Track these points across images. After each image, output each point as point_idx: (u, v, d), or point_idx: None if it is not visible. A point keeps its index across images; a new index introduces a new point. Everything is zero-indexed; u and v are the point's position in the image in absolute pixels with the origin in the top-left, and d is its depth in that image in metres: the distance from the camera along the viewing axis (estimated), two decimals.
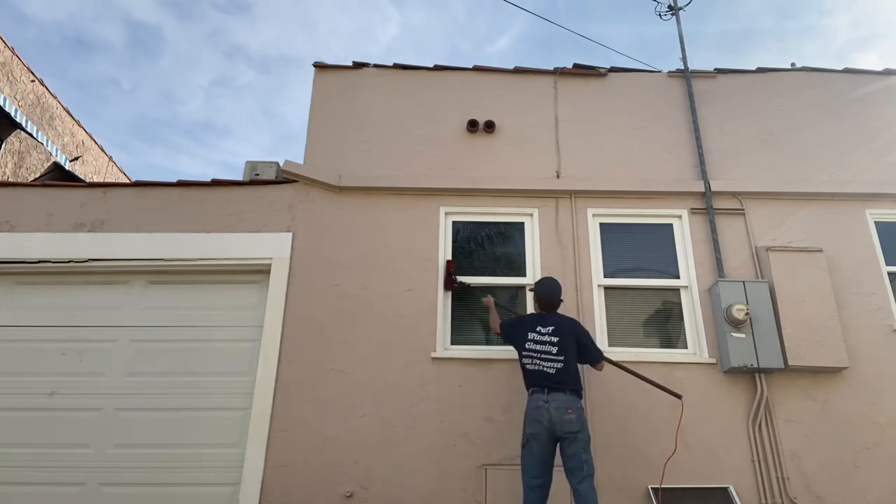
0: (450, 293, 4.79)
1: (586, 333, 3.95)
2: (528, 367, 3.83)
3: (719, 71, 5.72)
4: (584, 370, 4.05)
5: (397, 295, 4.72)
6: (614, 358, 4.20)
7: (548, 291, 4.01)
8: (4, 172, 7.68)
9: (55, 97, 8.81)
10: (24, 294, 4.93)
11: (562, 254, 4.87)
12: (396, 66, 5.72)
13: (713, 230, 4.92)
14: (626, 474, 4.19)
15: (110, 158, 10.47)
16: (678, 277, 4.86)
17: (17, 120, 7.32)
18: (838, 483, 4.18)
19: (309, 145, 5.33)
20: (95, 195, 5.12)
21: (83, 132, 9.57)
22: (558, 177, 5.20)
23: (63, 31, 33.05)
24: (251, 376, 4.51)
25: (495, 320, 4.30)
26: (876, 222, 5.04)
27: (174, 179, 5.22)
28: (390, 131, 5.40)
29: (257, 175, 5.27)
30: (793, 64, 5.83)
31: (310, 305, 4.68)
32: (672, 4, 6.40)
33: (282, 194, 5.10)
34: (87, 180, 8.70)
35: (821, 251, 4.70)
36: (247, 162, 5.38)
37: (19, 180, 7.69)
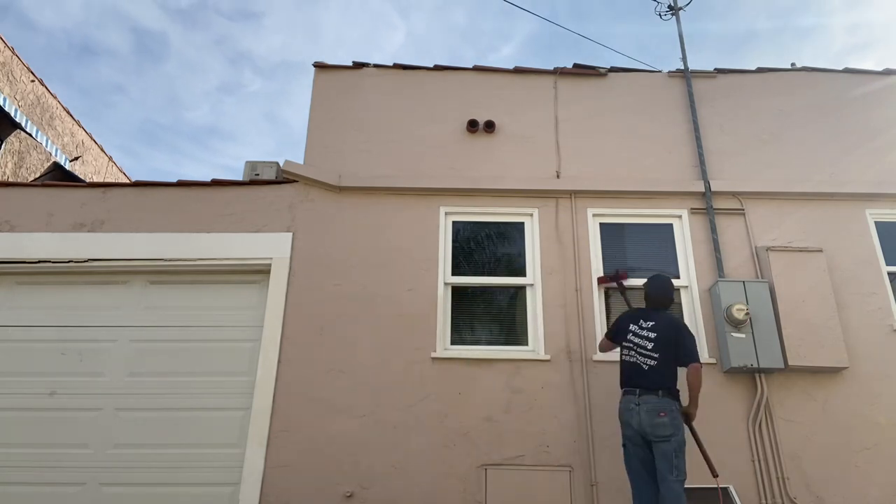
0: (448, 292, 4.81)
1: (689, 335, 3.75)
2: (624, 358, 3.80)
3: (719, 71, 5.72)
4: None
5: (397, 295, 4.72)
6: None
7: (657, 291, 3.96)
8: (4, 172, 7.68)
9: (55, 97, 8.81)
10: (24, 294, 4.93)
11: (562, 254, 4.87)
12: (396, 66, 5.72)
13: (713, 230, 4.92)
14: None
15: (110, 158, 10.47)
16: (678, 277, 4.86)
17: (18, 120, 7.32)
18: (838, 483, 4.18)
19: (309, 145, 5.33)
20: (95, 195, 5.12)
21: (83, 132, 9.57)
22: (558, 177, 5.20)
23: (70, 38, 33.29)
24: (251, 376, 4.51)
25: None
26: (876, 222, 5.04)
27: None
28: (390, 131, 5.40)
29: (257, 175, 5.27)
30: (793, 64, 5.83)
31: (310, 305, 4.68)
32: (672, 4, 6.40)
33: (282, 194, 5.10)
34: (87, 180, 8.69)
35: (821, 251, 4.70)
36: (247, 162, 5.37)
37: (19, 180, 7.69)
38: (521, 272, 4.92)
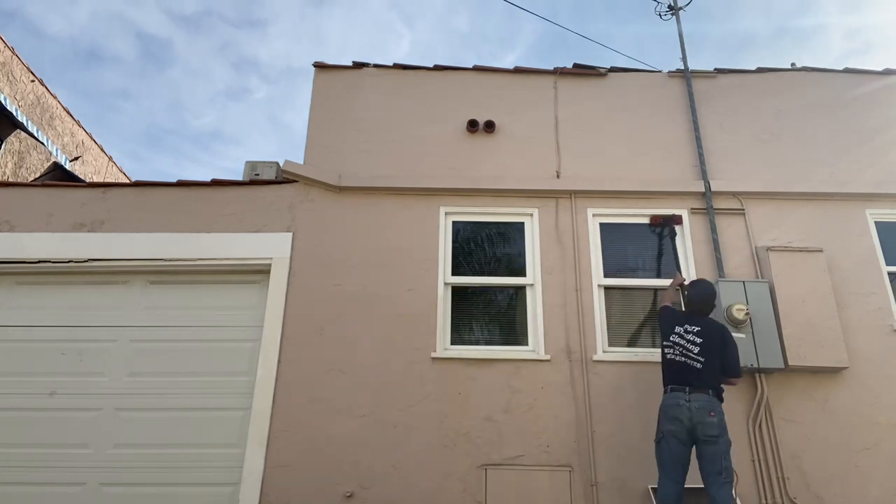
0: (448, 292, 4.81)
1: (733, 344, 3.82)
2: (668, 356, 3.80)
3: (719, 71, 5.71)
4: None
5: (397, 295, 4.72)
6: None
7: (700, 298, 3.97)
8: (4, 172, 7.68)
9: (55, 97, 8.81)
10: (24, 294, 4.93)
11: (562, 254, 4.87)
12: (396, 66, 5.71)
13: (713, 230, 4.92)
14: (626, 474, 4.19)
15: (110, 158, 10.47)
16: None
17: (18, 120, 7.32)
18: (838, 483, 4.18)
19: (309, 145, 5.33)
20: (95, 195, 5.12)
21: (83, 132, 9.57)
22: (558, 177, 5.20)
23: (77, 45, 33.40)
24: (251, 376, 4.51)
25: (668, 298, 4.28)
26: (876, 222, 5.03)
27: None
28: (390, 131, 5.40)
29: (257, 175, 5.27)
30: (793, 64, 5.82)
31: (310, 305, 4.68)
32: (672, 4, 6.40)
33: (282, 194, 5.10)
34: (87, 180, 8.69)
35: (821, 251, 4.70)
36: (247, 162, 5.37)
37: (19, 180, 7.69)
38: (521, 272, 4.92)
